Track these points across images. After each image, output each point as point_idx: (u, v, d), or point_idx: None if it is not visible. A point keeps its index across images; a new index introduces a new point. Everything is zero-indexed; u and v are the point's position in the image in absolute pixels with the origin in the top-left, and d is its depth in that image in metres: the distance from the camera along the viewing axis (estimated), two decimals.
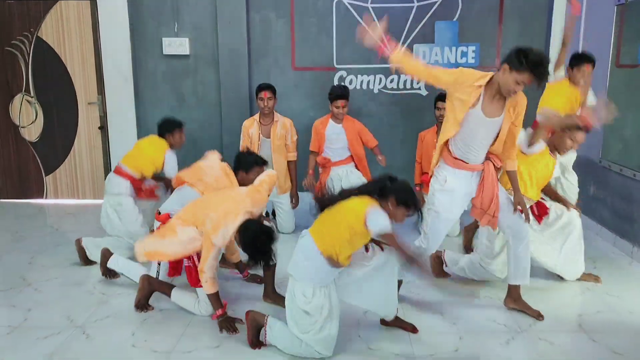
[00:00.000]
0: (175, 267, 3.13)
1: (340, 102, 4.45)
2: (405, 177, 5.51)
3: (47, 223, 5.11)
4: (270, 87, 4.57)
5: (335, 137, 4.54)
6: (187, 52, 5.52)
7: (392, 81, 5.57)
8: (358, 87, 5.56)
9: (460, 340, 2.85)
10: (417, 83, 5.58)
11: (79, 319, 3.09)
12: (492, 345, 2.80)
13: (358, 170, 4.61)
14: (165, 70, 5.58)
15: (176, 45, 5.50)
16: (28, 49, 5.60)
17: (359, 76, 5.56)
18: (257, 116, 4.67)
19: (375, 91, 5.58)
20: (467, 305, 3.27)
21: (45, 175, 5.86)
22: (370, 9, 5.46)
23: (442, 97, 4.14)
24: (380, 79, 5.54)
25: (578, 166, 4.87)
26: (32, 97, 5.69)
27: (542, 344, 2.80)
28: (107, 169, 5.70)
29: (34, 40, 5.57)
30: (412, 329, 2.93)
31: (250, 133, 4.60)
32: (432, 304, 3.29)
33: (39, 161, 5.84)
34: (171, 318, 3.10)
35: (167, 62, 5.56)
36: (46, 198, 5.90)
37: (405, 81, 5.58)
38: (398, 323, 2.96)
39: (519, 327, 2.96)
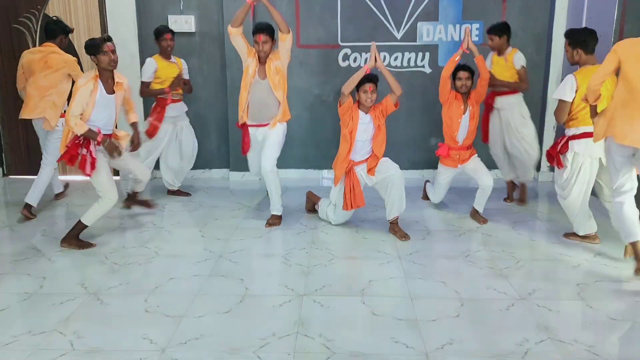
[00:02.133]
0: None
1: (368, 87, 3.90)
2: (410, 153, 5.67)
3: (55, 201, 5.19)
4: (265, 30, 4.11)
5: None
6: (193, 30, 5.56)
7: (396, 59, 5.61)
8: (362, 64, 5.59)
9: (461, 307, 2.94)
10: (421, 60, 5.61)
11: (92, 287, 3.19)
12: (492, 311, 2.89)
13: None
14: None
15: (182, 22, 5.54)
16: (35, 26, 5.64)
17: (362, 54, 5.60)
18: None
19: None
20: (469, 275, 3.37)
21: None
22: None
23: (464, 67, 4.20)
24: (385, 57, 5.58)
25: None
26: None
27: (540, 310, 2.89)
28: None
29: (41, 17, 5.60)
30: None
31: (248, 62, 4.22)
32: (434, 273, 3.39)
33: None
34: (182, 285, 3.21)
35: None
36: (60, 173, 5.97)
37: (409, 59, 5.62)
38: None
39: (518, 295, 3.06)
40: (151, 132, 4.76)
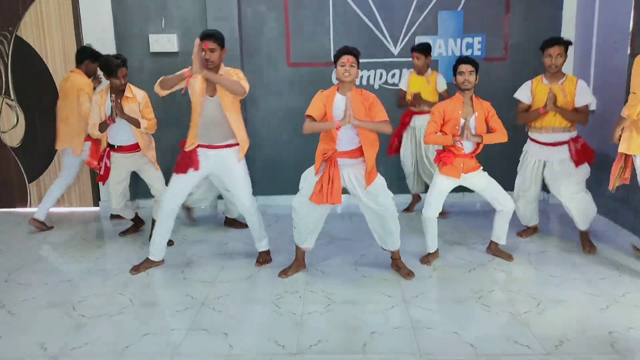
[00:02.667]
0: None
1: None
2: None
3: (30, 234, 4.78)
4: (212, 36, 3.44)
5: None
6: (176, 49, 5.20)
7: (393, 76, 5.26)
8: (358, 82, 5.23)
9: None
10: None
11: (53, 347, 2.77)
12: None
13: None
14: (152, 69, 5.24)
15: (164, 41, 5.18)
16: (7, 49, 5.27)
17: (358, 71, 5.23)
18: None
19: (376, 87, 5.26)
20: (485, 323, 2.96)
21: (29, 183, 5.55)
22: (370, 0, 5.13)
23: (466, 59, 3.55)
24: (381, 74, 5.23)
25: (594, 163, 4.58)
26: (12, 100, 5.38)
27: None
28: (93, 174, 5.39)
29: (12, 39, 5.24)
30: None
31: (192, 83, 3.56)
32: (445, 321, 2.98)
33: (21, 168, 5.52)
34: (157, 344, 2.79)
35: (155, 60, 5.23)
36: (30, 207, 5.59)
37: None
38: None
39: (543, 349, 2.65)
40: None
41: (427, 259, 3.82)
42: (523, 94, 3.97)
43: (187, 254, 4.16)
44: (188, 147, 3.63)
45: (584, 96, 3.79)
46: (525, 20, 5.14)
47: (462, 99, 3.60)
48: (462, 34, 5.15)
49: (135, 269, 3.75)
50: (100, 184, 4.96)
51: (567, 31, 4.98)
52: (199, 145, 3.64)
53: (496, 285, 3.42)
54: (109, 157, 4.19)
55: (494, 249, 3.90)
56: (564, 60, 3.80)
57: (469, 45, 5.17)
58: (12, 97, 5.37)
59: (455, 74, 3.61)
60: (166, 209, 3.69)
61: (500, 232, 3.83)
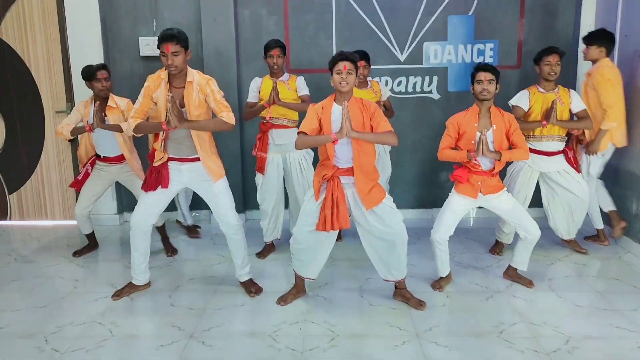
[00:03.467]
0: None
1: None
2: (417, 190, 4.99)
3: (8, 250, 4.42)
4: (173, 38, 3.01)
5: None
6: None
7: (399, 84, 4.94)
8: None
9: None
10: (429, 85, 4.94)
11: None
12: None
13: None
14: (142, 74, 4.88)
15: (155, 45, 4.82)
16: None
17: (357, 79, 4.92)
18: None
19: None
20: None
21: (9, 194, 5.19)
22: (375, 3, 4.83)
23: (485, 67, 3.24)
24: (387, 82, 4.91)
25: (616, 179, 4.28)
26: None
27: None
28: None
29: None
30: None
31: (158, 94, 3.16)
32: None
33: (1, 178, 5.16)
34: None
35: (145, 65, 4.89)
36: (10, 219, 5.23)
37: (414, 83, 4.95)
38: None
39: None
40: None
41: (439, 284, 3.48)
42: (523, 102, 3.77)
43: (176, 275, 3.81)
44: (157, 162, 3.22)
45: (579, 102, 3.76)
46: (541, 26, 4.83)
47: (479, 110, 3.29)
48: (473, 40, 4.85)
49: (118, 295, 3.40)
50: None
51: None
52: (169, 159, 3.23)
53: (517, 316, 3.08)
54: (92, 164, 4.05)
55: (512, 274, 3.56)
56: (560, 70, 3.72)
57: (480, 52, 4.86)
58: None
59: (472, 82, 3.28)
60: (137, 232, 3.32)
61: (522, 258, 3.50)
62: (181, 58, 3.03)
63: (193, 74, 3.13)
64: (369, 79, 4.25)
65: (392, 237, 3.07)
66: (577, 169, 3.87)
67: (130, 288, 3.45)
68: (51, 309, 3.28)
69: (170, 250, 4.23)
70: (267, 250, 4.19)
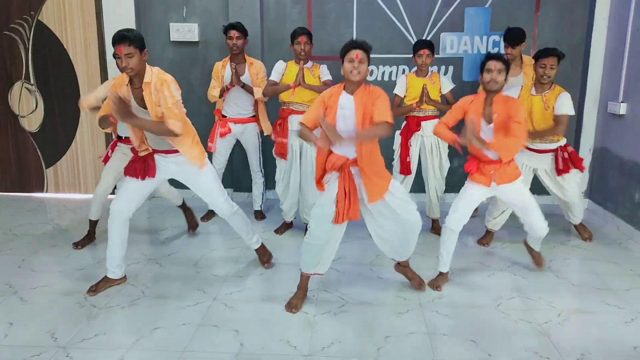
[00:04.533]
0: None
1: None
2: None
3: (45, 220, 4.79)
4: (124, 39, 2.91)
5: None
6: (196, 39, 5.14)
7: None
8: (379, 78, 5.14)
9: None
10: (444, 74, 5.13)
11: (63, 337, 2.74)
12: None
13: None
14: (172, 58, 5.21)
15: (185, 31, 5.12)
16: (28, 34, 5.26)
17: (380, 67, 5.15)
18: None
19: None
20: (503, 331, 2.87)
21: (46, 168, 5.55)
22: None
23: (496, 56, 3.15)
24: (404, 70, 5.11)
25: (621, 169, 4.44)
26: (32, 85, 5.37)
27: None
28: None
29: (34, 24, 5.22)
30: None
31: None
32: (462, 328, 2.89)
33: (39, 153, 5.52)
34: (167, 338, 2.75)
35: (175, 49, 5.18)
36: (46, 192, 5.60)
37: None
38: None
39: None
40: None
41: (436, 282, 3.39)
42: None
43: (200, 246, 4.11)
44: (142, 152, 3.21)
45: (563, 106, 3.71)
46: (556, 19, 4.98)
47: (485, 97, 3.21)
48: (489, 32, 5.02)
49: (93, 290, 3.26)
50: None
51: (599, 33, 4.82)
52: (154, 151, 3.23)
53: (515, 292, 3.31)
54: (114, 146, 4.04)
55: (528, 246, 3.63)
56: (555, 72, 3.71)
57: (496, 43, 5.03)
58: (32, 81, 5.36)
59: (481, 71, 3.20)
60: (116, 220, 3.23)
61: (535, 242, 3.58)
62: (135, 60, 2.92)
63: (151, 75, 3.00)
64: (431, 69, 4.32)
65: (408, 227, 3.07)
66: (567, 169, 3.85)
67: (105, 282, 3.33)
68: (87, 271, 3.61)
69: (193, 226, 4.37)
70: (284, 227, 4.46)
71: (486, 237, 4.17)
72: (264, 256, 3.69)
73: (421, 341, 2.74)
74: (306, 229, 3.74)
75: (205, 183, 3.35)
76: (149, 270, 3.63)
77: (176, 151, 3.21)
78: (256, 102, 4.51)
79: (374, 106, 2.82)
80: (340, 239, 3.11)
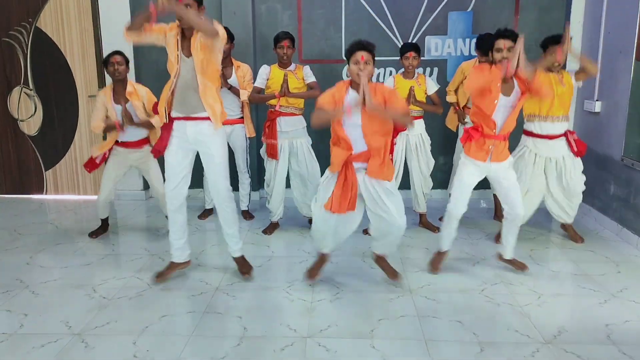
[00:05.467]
0: None
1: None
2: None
3: (47, 220, 4.95)
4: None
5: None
6: None
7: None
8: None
9: (480, 352, 2.67)
10: (430, 75, 5.37)
11: (77, 326, 2.93)
12: (515, 358, 2.62)
13: None
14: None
15: None
16: (26, 40, 5.42)
17: (387, 69, 5.37)
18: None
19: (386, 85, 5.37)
20: (487, 313, 3.10)
21: (45, 170, 5.71)
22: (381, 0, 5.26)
23: (505, 32, 3.23)
24: (391, 72, 5.35)
25: (597, 164, 4.70)
26: (31, 90, 5.53)
27: (569, 357, 2.62)
28: None
29: (32, 30, 5.39)
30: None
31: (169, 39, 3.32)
32: (449, 311, 3.12)
33: (38, 156, 5.68)
34: (175, 325, 2.94)
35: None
36: (46, 194, 5.75)
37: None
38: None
39: (542, 338, 2.78)
40: None
41: (435, 262, 3.62)
42: None
43: (200, 242, 4.31)
44: (162, 119, 3.29)
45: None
46: (535, 22, 5.24)
47: (500, 74, 3.14)
48: (472, 34, 5.27)
49: (160, 276, 3.48)
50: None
51: (575, 35, 5.08)
52: (175, 119, 3.26)
53: (498, 278, 3.55)
54: (110, 149, 4.16)
55: (502, 259, 3.67)
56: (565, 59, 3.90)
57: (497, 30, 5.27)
58: (31, 86, 5.52)
59: (491, 50, 3.24)
60: (175, 203, 3.37)
61: (508, 242, 3.57)
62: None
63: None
64: (418, 70, 4.51)
65: (390, 227, 3.17)
66: (583, 149, 3.94)
67: (171, 268, 3.52)
68: (94, 266, 3.79)
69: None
70: (272, 227, 4.58)
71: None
72: (243, 267, 3.62)
73: (411, 323, 2.96)
74: (310, 222, 4.06)
75: (215, 154, 3.29)
76: (152, 265, 3.81)
77: (202, 118, 3.22)
78: (243, 104, 4.68)
79: (389, 103, 2.95)
80: (353, 229, 3.30)
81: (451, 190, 3.65)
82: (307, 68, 4.35)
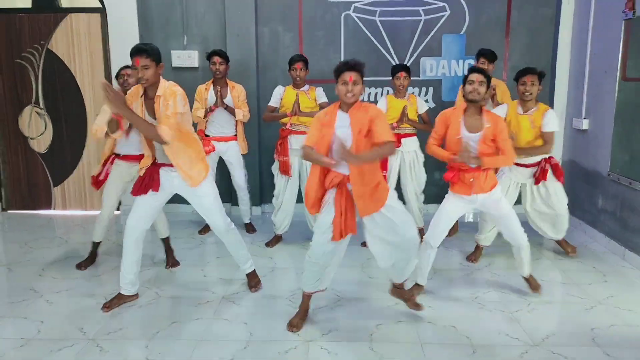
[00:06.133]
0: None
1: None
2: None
3: (56, 234, 5.12)
4: (143, 52, 3.06)
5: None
6: (196, 65, 5.56)
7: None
8: (366, 99, 5.59)
9: (473, 354, 2.84)
10: (425, 95, 5.61)
11: (91, 331, 3.09)
12: (506, 359, 2.79)
13: None
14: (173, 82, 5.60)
15: (185, 57, 5.55)
16: (38, 61, 5.64)
17: (366, 89, 5.59)
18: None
19: None
20: (480, 318, 3.28)
21: (54, 187, 5.89)
22: (378, 22, 5.51)
23: (477, 69, 3.35)
24: (388, 91, 5.57)
25: (586, 179, 4.90)
26: (41, 109, 5.73)
27: (556, 358, 2.79)
28: None
29: (44, 52, 5.61)
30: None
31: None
32: (444, 317, 3.29)
33: (47, 172, 5.86)
34: (184, 330, 3.11)
35: (176, 75, 5.59)
36: (54, 209, 5.92)
37: (412, 93, 5.59)
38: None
39: (531, 341, 2.96)
40: None
41: (411, 292, 3.40)
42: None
43: (205, 254, 4.48)
44: (140, 169, 3.37)
45: (549, 123, 3.85)
46: (525, 44, 5.49)
47: (465, 108, 3.35)
48: (465, 56, 5.51)
49: (108, 306, 3.38)
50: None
51: (563, 56, 5.34)
52: (159, 165, 3.33)
53: (491, 287, 3.73)
54: (112, 163, 4.10)
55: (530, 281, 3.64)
56: (537, 90, 3.88)
57: (471, 66, 5.51)
58: (42, 106, 5.72)
59: (464, 84, 3.35)
60: (132, 236, 3.37)
61: (522, 264, 3.58)
62: (151, 72, 3.04)
63: (164, 87, 3.13)
64: (409, 91, 4.72)
65: (401, 241, 3.03)
66: (544, 177, 4.02)
67: (119, 299, 3.44)
68: (105, 277, 3.96)
69: (172, 263, 4.20)
70: (275, 240, 4.74)
71: (475, 253, 4.29)
72: (252, 280, 3.72)
73: (408, 328, 3.13)
74: None
75: (205, 197, 3.39)
76: (161, 275, 3.99)
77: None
78: (237, 122, 4.88)
79: (374, 126, 2.85)
80: (342, 253, 3.17)
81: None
82: (319, 89, 4.56)
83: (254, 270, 3.78)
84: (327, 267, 3.13)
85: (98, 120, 3.77)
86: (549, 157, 4.09)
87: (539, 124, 3.87)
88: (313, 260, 3.07)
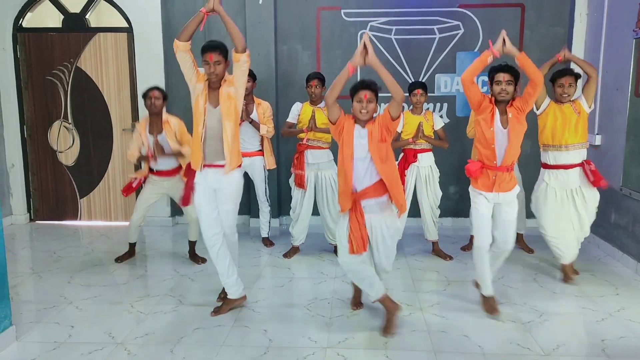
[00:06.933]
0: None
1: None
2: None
3: (83, 244, 5.32)
4: (217, 48, 3.34)
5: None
6: None
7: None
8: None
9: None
10: (440, 110, 5.74)
11: (119, 336, 3.25)
12: None
13: None
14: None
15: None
16: (67, 78, 5.90)
17: (382, 105, 5.72)
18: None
19: None
20: (492, 329, 3.37)
21: (80, 198, 6.11)
22: (394, 41, 5.67)
23: (504, 67, 3.44)
24: (404, 108, 5.70)
25: (599, 194, 4.97)
26: (70, 124, 5.98)
27: None
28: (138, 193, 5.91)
29: (73, 69, 5.87)
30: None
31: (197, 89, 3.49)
32: (457, 326, 3.39)
33: (74, 184, 6.09)
34: (207, 336, 3.25)
35: None
36: (80, 220, 6.14)
37: (427, 109, 5.73)
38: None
39: (542, 351, 3.04)
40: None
41: (489, 304, 3.53)
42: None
43: None
44: (197, 166, 3.46)
45: (588, 101, 4.01)
46: (537, 61, 5.57)
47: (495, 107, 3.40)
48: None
49: (216, 312, 3.57)
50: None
51: (576, 68, 5.43)
52: (205, 166, 3.45)
53: (503, 298, 3.82)
54: (146, 177, 4.58)
55: (484, 301, 3.60)
56: (574, 91, 4.00)
57: (484, 83, 5.63)
58: (70, 120, 5.97)
59: (491, 83, 3.43)
60: (214, 247, 3.51)
61: (496, 268, 3.63)
62: (222, 67, 3.32)
63: (229, 77, 3.40)
64: (427, 106, 4.84)
65: (377, 264, 3.40)
66: (599, 179, 3.99)
67: (227, 304, 3.62)
68: (130, 285, 4.13)
69: (198, 260, 4.64)
70: (292, 251, 4.89)
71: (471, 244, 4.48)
72: (228, 306, 3.64)
73: (422, 337, 3.24)
74: (334, 250, 4.43)
75: (229, 192, 3.47)
76: (183, 284, 4.15)
77: (219, 166, 3.43)
78: (262, 138, 5.04)
79: (382, 119, 3.15)
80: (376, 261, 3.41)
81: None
82: None
83: (245, 296, 3.71)
84: (367, 271, 3.32)
85: (132, 146, 4.48)
86: (587, 161, 4.06)
87: (581, 109, 3.98)
88: (346, 268, 3.37)
